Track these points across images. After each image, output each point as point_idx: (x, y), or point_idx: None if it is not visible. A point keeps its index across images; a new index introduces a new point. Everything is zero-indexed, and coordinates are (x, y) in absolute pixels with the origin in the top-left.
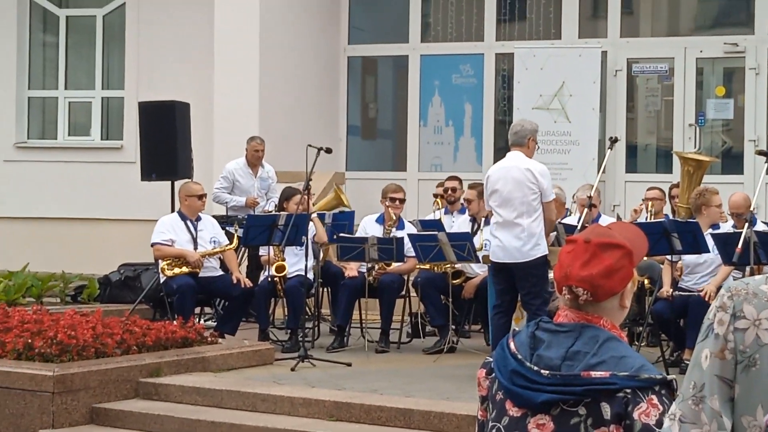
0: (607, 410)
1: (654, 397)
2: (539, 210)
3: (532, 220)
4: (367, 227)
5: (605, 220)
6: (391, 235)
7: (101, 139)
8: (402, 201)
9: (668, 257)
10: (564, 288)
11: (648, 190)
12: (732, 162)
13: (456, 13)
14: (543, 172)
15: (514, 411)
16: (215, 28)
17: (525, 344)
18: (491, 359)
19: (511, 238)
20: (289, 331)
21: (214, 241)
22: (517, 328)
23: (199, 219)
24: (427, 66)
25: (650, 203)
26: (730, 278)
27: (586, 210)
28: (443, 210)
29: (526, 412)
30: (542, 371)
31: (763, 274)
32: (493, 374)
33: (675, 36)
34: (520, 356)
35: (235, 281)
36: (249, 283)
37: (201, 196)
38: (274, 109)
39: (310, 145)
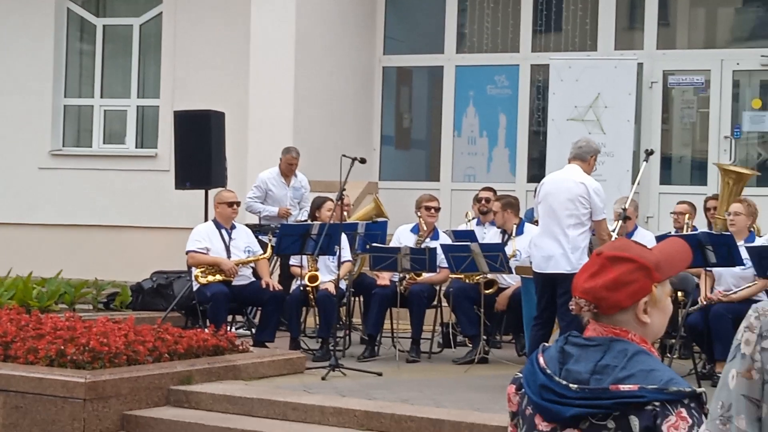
0: (635, 423)
1: (683, 410)
2: (587, 226)
3: (579, 233)
4: (402, 237)
5: (641, 233)
6: (424, 245)
7: (136, 147)
8: (437, 210)
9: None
10: (572, 299)
11: (677, 204)
12: None
13: (492, 24)
14: (598, 190)
15: (543, 426)
16: (251, 38)
17: (554, 359)
18: (521, 375)
19: (556, 248)
20: (320, 340)
21: (249, 250)
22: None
23: (233, 228)
24: (461, 76)
25: (678, 216)
26: (763, 294)
27: (620, 223)
28: (476, 220)
29: (555, 427)
30: (571, 385)
31: None
32: (523, 390)
33: (711, 48)
34: (549, 371)
35: (264, 286)
36: (278, 287)
37: (232, 204)
38: (308, 119)
39: (344, 155)
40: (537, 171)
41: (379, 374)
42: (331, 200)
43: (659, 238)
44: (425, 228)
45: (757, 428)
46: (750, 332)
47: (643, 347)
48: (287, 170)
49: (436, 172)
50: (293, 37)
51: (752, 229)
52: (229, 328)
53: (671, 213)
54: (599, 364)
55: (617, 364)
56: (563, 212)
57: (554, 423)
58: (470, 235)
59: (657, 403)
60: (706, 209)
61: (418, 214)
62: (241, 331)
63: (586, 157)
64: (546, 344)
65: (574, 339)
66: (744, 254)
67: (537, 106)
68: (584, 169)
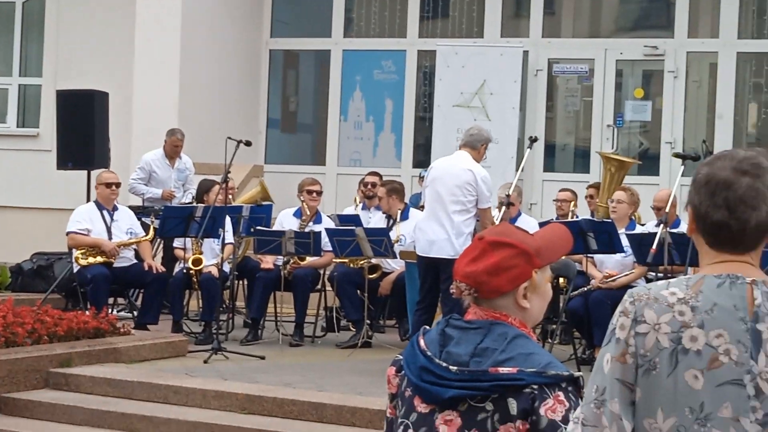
0: (513, 406)
1: (560, 393)
2: (472, 212)
3: (464, 219)
4: (284, 221)
5: (524, 219)
6: (308, 228)
7: (17, 126)
8: (319, 194)
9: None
10: (453, 282)
11: (560, 191)
12: (649, 163)
13: (379, 9)
14: (485, 178)
15: (422, 407)
16: (136, 18)
17: (435, 341)
18: (401, 357)
19: (441, 232)
20: (203, 323)
21: (131, 232)
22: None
23: (115, 209)
24: (348, 61)
25: (562, 203)
26: (642, 281)
27: (504, 209)
28: (361, 205)
29: (434, 408)
30: (450, 367)
31: (667, 280)
32: (403, 372)
33: (595, 37)
34: (429, 353)
35: (146, 268)
36: (161, 268)
37: (110, 184)
38: (193, 101)
39: (229, 138)
40: (423, 157)
41: (262, 358)
42: (216, 183)
43: (542, 225)
44: (308, 212)
45: (630, 412)
46: (625, 317)
47: (522, 331)
48: (172, 152)
49: (322, 156)
50: (179, 18)
51: (633, 218)
52: (110, 310)
53: (554, 200)
54: (479, 346)
55: (497, 347)
56: (449, 198)
57: (433, 405)
58: (355, 220)
59: (535, 386)
60: (587, 197)
61: (301, 198)
62: (122, 313)
63: (476, 145)
64: (427, 327)
65: (455, 322)
66: (624, 242)
67: (423, 92)
68: (474, 157)
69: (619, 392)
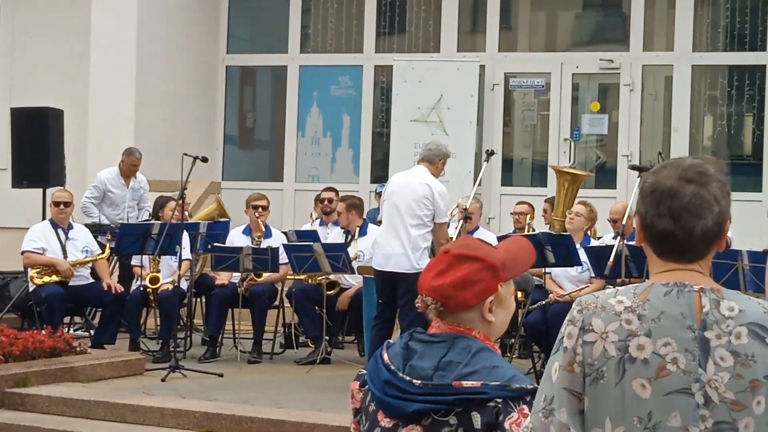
0: (477, 420)
1: (525, 407)
2: (429, 227)
3: (420, 234)
4: (234, 239)
5: (483, 233)
6: (265, 244)
7: None
8: (265, 208)
9: (545, 270)
10: (419, 297)
11: (517, 204)
12: (606, 176)
13: (336, 25)
14: (442, 193)
15: (385, 422)
16: (91, 34)
17: (398, 355)
18: (365, 371)
19: (397, 247)
20: (160, 341)
21: (86, 250)
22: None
23: (71, 227)
24: (305, 77)
25: (520, 217)
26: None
27: (461, 222)
28: (319, 221)
29: (397, 423)
30: (414, 381)
31: (615, 288)
32: (367, 386)
33: (552, 51)
34: (393, 367)
35: (105, 288)
36: (119, 288)
37: (58, 203)
38: (150, 118)
39: (186, 154)
40: (381, 172)
41: (220, 375)
42: (173, 199)
43: (500, 239)
44: (260, 227)
45: (578, 422)
46: (572, 326)
47: (486, 344)
48: (129, 171)
49: (279, 172)
50: (134, 34)
51: (588, 233)
52: (66, 329)
53: (512, 213)
54: (443, 360)
55: (461, 360)
56: (407, 212)
57: (396, 419)
58: (313, 236)
59: (499, 400)
60: (543, 210)
61: (256, 214)
62: (79, 332)
63: (434, 160)
64: (391, 341)
65: (419, 335)
66: (582, 256)
67: (381, 107)
68: (432, 172)
69: (567, 402)
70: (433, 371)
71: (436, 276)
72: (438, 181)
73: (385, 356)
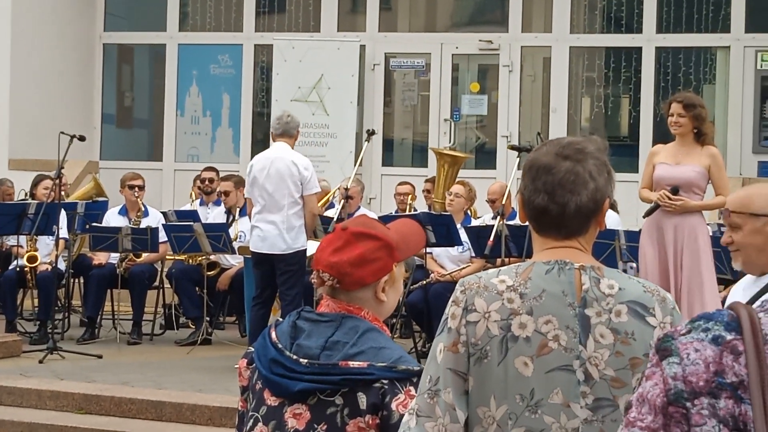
0: (363, 400)
1: (412, 388)
2: (300, 204)
3: (293, 212)
4: (111, 220)
5: (364, 213)
6: (144, 224)
7: None
8: (141, 188)
9: (426, 249)
10: (314, 273)
11: (398, 185)
12: (485, 157)
13: (215, 3)
14: (307, 165)
15: (271, 400)
16: None
17: (286, 333)
18: (252, 349)
19: (271, 229)
20: (38, 322)
21: None
22: (273, 320)
23: None
24: (184, 55)
25: (403, 197)
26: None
27: (342, 202)
28: (198, 201)
29: (283, 402)
30: (301, 360)
31: (497, 267)
32: (254, 364)
33: (432, 32)
34: (280, 345)
35: None
36: None
37: None
38: (25, 96)
39: (62, 133)
40: (261, 151)
41: (100, 357)
42: (49, 178)
43: (384, 219)
44: (137, 207)
45: (464, 401)
46: (456, 306)
47: (375, 325)
48: None
49: (159, 151)
50: (8, 11)
51: (468, 213)
52: None
53: (395, 194)
54: (330, 339)
55: (348, 340)
56: (277, 193)
57: (282, 398)
58: (193, 216)
59: (385, 381)
60: (424, 191)
61: (134, 194)
62: None
63: (292, 132)
64: (279, 319)
65: (307, 314)
66: (463, 236)
67: (261, 87)
68: (291, 145)
69: (452, 382)
70: (320, 350)
71: (334, 252)
72: (300, 154)
73: (273, 334)
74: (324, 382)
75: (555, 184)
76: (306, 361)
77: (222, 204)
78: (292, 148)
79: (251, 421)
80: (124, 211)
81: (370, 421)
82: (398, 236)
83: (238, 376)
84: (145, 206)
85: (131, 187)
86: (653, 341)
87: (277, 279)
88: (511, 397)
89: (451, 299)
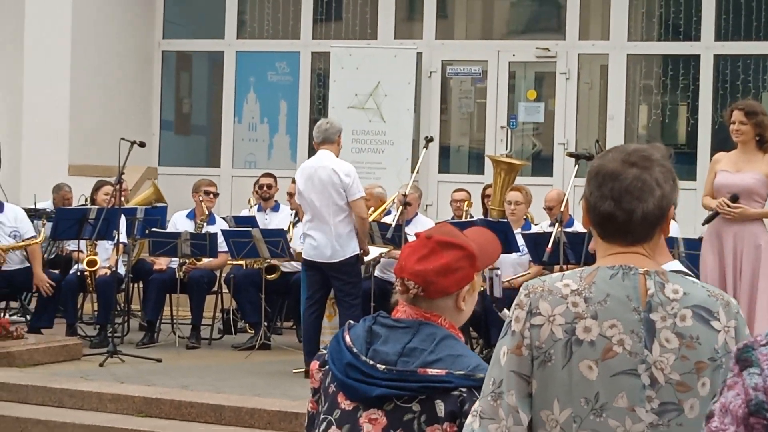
0: (441, 408)
1: None
2: (347, 210)
3: (340, 220)
4: (178, 223)
5: (421, 220)
6: (204, 230)
7: None
8: (215, 195)
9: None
10: (397, 280)
11: (454, 191)
12: (542, 164)
13: (273, 11)
14: (348, 172)
15: (346, 404)
16: (25, 19)
17: (361, 338)
18: (325, 352)
19: (321, 237)
20: (98, 326)
21: (15, 235)
22: (327, 325)
23: (1, 210)
24: (242, 62)
25: (459, 204)
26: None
27: (401, 208)
28: (257, 207)
29: (357, 406)
30: (378, 366)
31: (562, 272)
32: (327, 366)
33: (488, 39)
34: (355, 349)
35: (35, 289)
36: (48, 290)
37: None
38: (85, 103)
39: (123, 139)
40: None
41: (159, 360)
42: (110, 184)
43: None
44: (205, 212)
45: (527, 404)
46: (520, 309)
47: (451, 332)
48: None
49: (216, 158)
50: (69, 19)
51: (527, 218)
52: (2, 314)
53: (451, 201)
54: (407, 346)
55: (425, 347)
56: (321, 204)
57: (358, 402)
58: (251, 221)
59: (464, 389)
60: (484, 197)
61: (199, 198)
62: (15, 317)
63: (334, 138)
64: (352, 322)
65: (383, 320)
66: (520, 241)
67: (318, 94)
68: (334, 152)
69: (515, 384)
70: (397, 357)
71: (419, 261)
72: (341, 160)
73: (347, 338)
74: (402, 388)
75: (622, 191)
76: (383, 366)
77: (280, 209)
78: (337, 155)
79: (324, 424)
80: (192, 215)
81: (448, 429)
82: (477, 245)
83: (309, 377)
84: (212, 214)
85: (207, 193)
86: (716, 345)
87: (333, 286)
88: (576, 401)
89: (515, 302)
